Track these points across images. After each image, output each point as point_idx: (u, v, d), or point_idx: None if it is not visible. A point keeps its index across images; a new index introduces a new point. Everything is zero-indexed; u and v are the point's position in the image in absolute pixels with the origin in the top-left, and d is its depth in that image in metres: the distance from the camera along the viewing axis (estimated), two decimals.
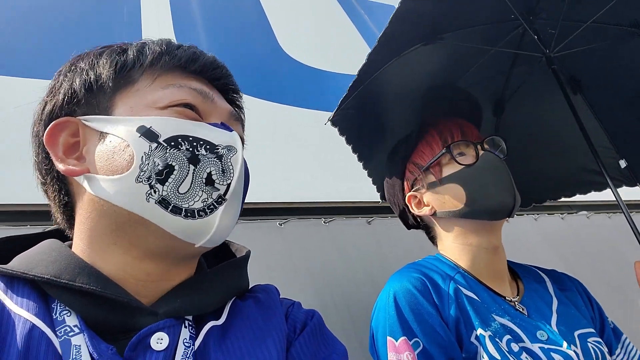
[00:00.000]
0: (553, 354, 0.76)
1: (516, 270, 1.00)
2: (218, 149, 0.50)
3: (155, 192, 0.46)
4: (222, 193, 0.49)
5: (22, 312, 0.41)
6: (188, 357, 0.44)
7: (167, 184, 0.46)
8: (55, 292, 0.44)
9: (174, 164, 0.46)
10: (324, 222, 1.57)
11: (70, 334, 0.41)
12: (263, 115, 1.92)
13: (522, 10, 1.08)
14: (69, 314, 0.43)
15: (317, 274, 1.40)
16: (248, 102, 2.07)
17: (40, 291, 0.45)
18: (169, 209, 0.46)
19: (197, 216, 0.47)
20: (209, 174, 0.48)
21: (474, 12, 1.09)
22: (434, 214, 0.97)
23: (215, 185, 0.48)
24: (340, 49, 2.52)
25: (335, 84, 2.28)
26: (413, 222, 1.09)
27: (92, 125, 0.50)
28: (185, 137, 0.48)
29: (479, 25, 1.11)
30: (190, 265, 0.55)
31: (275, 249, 1.41)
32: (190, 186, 0.47)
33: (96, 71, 0.53)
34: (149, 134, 0.47)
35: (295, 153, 1.78)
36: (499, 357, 0.74)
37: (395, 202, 1.10)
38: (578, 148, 1.18)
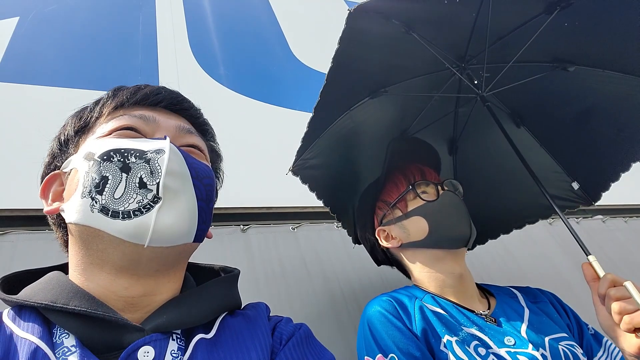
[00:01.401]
0: (519, 356, 0.82)
1: (488, 289, 1.08)
2: (147, 154, 0.54)
3: (96, 202, 0.51)
4: (156, 192, 0.52)
5: (27, 335, 0.47)
6: None
7: (104, 193, 0.51)
8: (54, 316, 0.49)
9: (107, 174, 0.52)
10: (337, 227, 1.57)
11: (67, 354, 0.46)
12: (275, 120, 1.93)
13: (454, 59, 1.19)
14: (67, 336, 0.48)
15: (330, 277, 1.40)
16: (260, 107, 2.09)
17: (44, 317, 0.50)
18: (109, 214, 0.51)
19: (132, 216, 0.51)
20: (141, 178, 0.52)
21: (411, 66, 1.19)
22: (401, 246, 1.07)
23: (148, 186, 0.52)
24: None
25: None
26: (383, 257, 1.19)
27: (65, 170, 0.60)
28: (116, 150, 0.54)
29: (419, 76, 1.22)
30: (171, 279, 0.58)
31: (289, 254, 1.41)
32: (124, 191, 0.51)
33: (65, 129, 0.65)
34: (88, 156, 0.55)
35: None
36: (466, 359, 0.80)
37: (365, 238, 1.21)
38: (528, 179, 1.23)
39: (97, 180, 0.52)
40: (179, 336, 0.53)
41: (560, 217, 0.99)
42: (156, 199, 0.52)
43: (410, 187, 1.06)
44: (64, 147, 0.64)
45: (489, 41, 1.11)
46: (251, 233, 1.43)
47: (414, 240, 1.03)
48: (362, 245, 1.37)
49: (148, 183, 0.52)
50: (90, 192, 0.52)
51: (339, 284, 1.39)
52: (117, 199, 0.51)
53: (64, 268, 0.60)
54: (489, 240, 1.39)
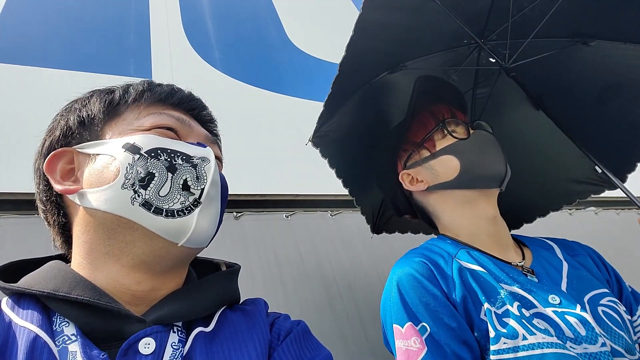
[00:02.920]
0: (567, 317, 0.74)
1: (522, 240, 0.99)
2: (193, 159, 0.57)
3: (139, 196, 0.52)
4: (197, 197, 0.55)
5: (26, 324, 0.47)
6: (176, 358, 0.49)
7: (149, 188, 0.52)
8: (54, 305, 0.49)
9: (154, 171, 0.54)
10: (331, 215, 1.57)
11: (67, 342, 0.46)
12: (270, 107, 1.91)
13: (473, 34, 1.16)
14: (67, 325, 0.48)
15: (324, 265, 1.40)
16: (255, 93, 2.06)
17: (43, 305, 0.50)
18: (152, 210, 0.52)
19: (176, 216, 0.53)
20: (185, 181, 0.55)
21: (430, 41, 1.16)
22: (427, 189, 0.97)
23: (191, 190, 0.55)
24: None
25: None
26: (405, 206, 1.07)
27: (85, 151, 0.58)
28: (163, 150, 0.56)
29: (438, 52, 1.19)
30: (178, 275, 0.60)
31: (282, 241, 1.41)
32: (169, 190, 0.53)
33: (88, 108, 0.62)
34: (132, 148, 0.55)
35: (302, 146, 1.77)
36: (505, 331, 0.72)
37: (386, 186, 1.11)
38: (554, 160, 1.22)
39: (142, 175, 0.53)
40: (180, 329, 0.54)
41: (609, 176, 0.98)
42: (196, 202, 0.55)
43: (441, 124, 0.97)
44: (88, 125, 0.60)
45: (512, 13, 1.07)
46: (245, 220, 1.42)
47: (443, 181, 0.94)
48: (380, 234, 1.34)
49: (192, 187, 0.55)
50: (133, 184, 0.52)
51: (332, 272, 1.39)
52: (163, 196, 0.53)
53: (62, 258, 0.60)
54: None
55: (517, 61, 1.11)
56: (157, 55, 1.84)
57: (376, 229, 1.35)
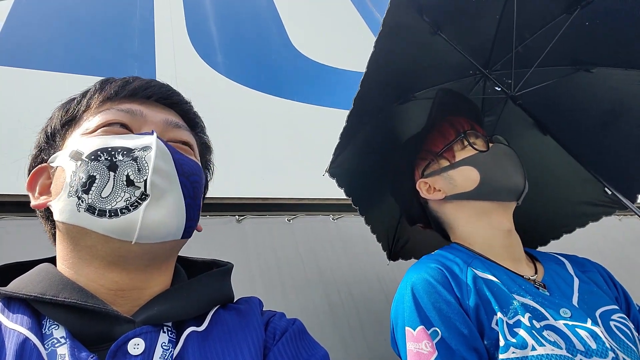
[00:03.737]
0: (578, 330, 0.74)
1: (534, 254, 1.00)
2: (134, 151, 0.55)
3: (82, 201, 0.51)
4: (143, 189, 0.52)
5: (16, 327, 0.47)
6: (167, 359, 0.49)
7: (90, 192, 0.52)
8: (43, 308, 0.49)
9: (95, 174, 0.52)
10: (333, 219, 1.57)
11: (56, 345, 0.46)
12: (272, 111, 1.92)
13: (478, 65, 1.19)
14: (56, 327, 0.48)
15: (325, 269, 1.39)
16: (258, 98, 2.07)
17: (33, 309, 0.50)
18: (96, 213, 0.51)
19: (120, 214, 0.51)
20: (128, 176, 0.53)
21: (437, 72, 1.18)
22: (444, 199, 0.98)
23: (135, 184, 0.52)
24: (351, 46, 2.50)
25: (347, 81, 2.27)
26: (419, 215, 1.08)
27: (52, 165, 0.59)
28: (104, 150, 0.54)
29: (445, 82, 1.21)
30: (160, 273, 0.58)
31: (283, 245, 1.41)
32: (112, 190, 0.52)
33: (51, 122, 0.64)
34: (75, 155, 0.55)
35: (305, 150, 1.78)
36: (515, 340, 0.72)
37: (402, 193, 1.12)
38: (565, 184, 1.24)
39: (83, 180, 0.52)
40: (170, 329, 0.53)
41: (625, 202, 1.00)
42: (144, 196, 0.52)
43: (463, 134, 0.98)
44: (51, 140, 0.63)
45: (515, 44, 1.11)
46: (246, 224, 1.42)
47: (461, 192, 0.95)
48: (397, 261, 1.33)
49: (135, 180, 0.52)
50: (76, 191, 0.52)
51: (333, 276, 1.39)
52: (105, 197, 0.51)
53: (53, 260, 0.60)
54: None
55: (522, 89, 1.13)
56: (161, 58, 1.85)
57: (392, 256, 1.34)
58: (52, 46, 1.69)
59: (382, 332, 1.26)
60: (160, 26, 2.01)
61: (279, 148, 1.74)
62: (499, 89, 1.17)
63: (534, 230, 1.27)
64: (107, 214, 0.51)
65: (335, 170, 1.16)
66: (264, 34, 2.35)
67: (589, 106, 1.20)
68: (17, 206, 1.14)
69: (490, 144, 0.98)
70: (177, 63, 1.87)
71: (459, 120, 1.02)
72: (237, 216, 1.42)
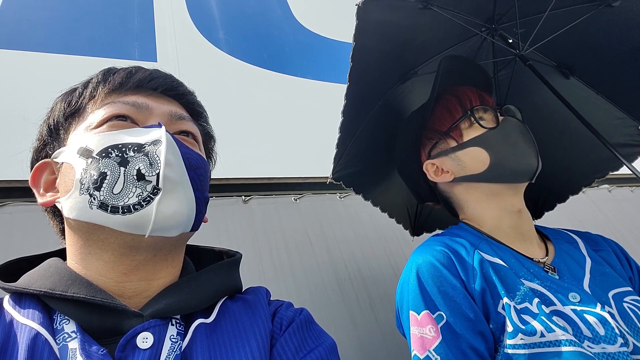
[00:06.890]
0: (586, 315, 0.73)
1: (545, 233, 0.97)
2: (145, 146, 0.55)
3: (94, 199, 0.52)
4: (155, 183, 0.52)
5: (28, 322, 0.48)
6: (175, 352, 0.50)
7: (102, 189, 0.52)
8: (53, 303, 0.50)
9: (106, 171, 0.52)
10: (339, 197, 1.56)
11: (67, 340, 0.47)
12: (276, 88, 1.88)
13: (483, 22, 1.10)
14: (67, 322, 0.49)
15: (333, 248, 1.39)
16: (261, 74, 2.03)
17: (43, 304, 0.51)
18: (108, 210, 0.51)
19: (133, 210, 0.51)
20: (139, 170, 0.53)
21: (436, 41, 1.10)
22: (453, 181, 0.95)
23: (147, 178, 0.52)
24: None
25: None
26: (427, 194, 1.06)
27: (57, 160, 0.59)
28: (114, 146, 0.54)
29: (447, 49, 1.13)
30: (169, 264, 0.59)
31: (291, 224, 1.41)
32: (123, 186, 0.52)
33: (53, 114, 0.63)
34: (85, 153, 0.55)
35: (310, 128, 1.75)
36: (524, 327, 0.71)
37: (408, 174, 1.08)
38: (594, 126, 1.17)
39: (95, 177, 0.52)
40: (178, 321, 0.54)
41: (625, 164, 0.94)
42: (156, 190, 0.52)
43: (469, 112, 0.93)
44: (54, 133, 0.62)
45: None
46: (253, 204, 1.41)
47: (470, 174, 0.92)
48: (421, 235, 1.32)
49: (147, 175, 0.53)
50: (88, 188, 0.52)
51: (341, 255, 1.39)
52: (117, 194, 0.51)
53: (61, 253, 0.61)
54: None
55: (534, 43, 1.06)
56: (162, 37, 1.81)
57: (416, 231, 1.32)
58: (51, 27, 1.65)
59: (392, 308, 1.26)
60: (160, 3, 1.96)
61: (283, 126, 1.72)
62: (510, 41, 1.08)
63: (565, 178, 1.24)
64: (120, 210, 0.51)
65: (340, 174, 1.14)
66: (266, 8, 2.29)
67: (615, 41, 1.11)
68: (24, 191, 1.14)
69: (501, 117, 0.93)
70: (178, 41, 1.83)
71: (466, 93, 0.97)
72: (243, 196, 1.42)
